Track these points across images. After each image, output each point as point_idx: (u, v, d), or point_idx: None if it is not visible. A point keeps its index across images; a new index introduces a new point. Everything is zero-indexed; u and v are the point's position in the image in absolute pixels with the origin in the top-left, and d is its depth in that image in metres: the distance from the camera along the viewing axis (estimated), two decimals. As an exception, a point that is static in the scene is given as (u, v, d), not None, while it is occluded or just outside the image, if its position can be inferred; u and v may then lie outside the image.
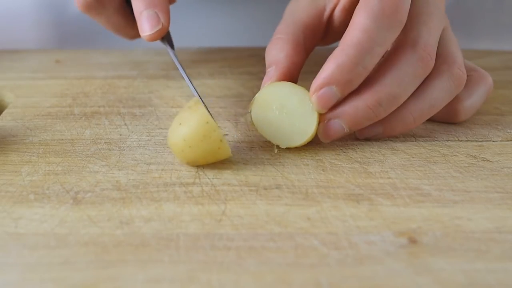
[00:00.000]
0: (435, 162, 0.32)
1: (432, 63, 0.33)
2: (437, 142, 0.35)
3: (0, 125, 0.36)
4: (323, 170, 0.31)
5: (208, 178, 0.30)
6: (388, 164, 0.32)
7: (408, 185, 0.30)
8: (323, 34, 0.37)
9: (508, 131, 0.36)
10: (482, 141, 0.35)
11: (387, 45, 0.31)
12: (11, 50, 0.51)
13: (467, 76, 0.35)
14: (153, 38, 0.35)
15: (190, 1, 0.58)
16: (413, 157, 0.33)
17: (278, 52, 0.34)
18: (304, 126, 0.32)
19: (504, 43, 0.60)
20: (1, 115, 0.38)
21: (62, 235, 0.25)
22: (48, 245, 0.25)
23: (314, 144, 0.34)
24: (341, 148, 0.33)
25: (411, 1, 0.33)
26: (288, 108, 0.32)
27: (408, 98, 0.33)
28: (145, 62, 0.49)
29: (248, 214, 0.27)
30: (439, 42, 0.34)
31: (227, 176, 0.30)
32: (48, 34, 0.59)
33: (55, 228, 0.26)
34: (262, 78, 0.34)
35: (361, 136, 0.34)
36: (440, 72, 0.34)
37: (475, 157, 0.33)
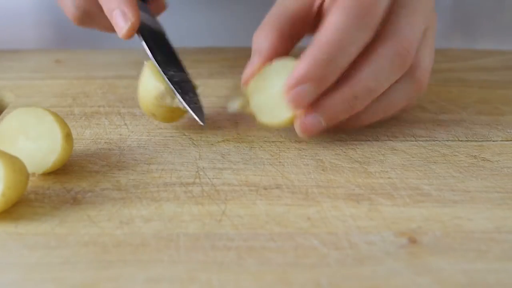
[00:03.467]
0: (435, 162, 0.32)
1: (410, 59, 0.32)
2: (437, 142, 0.35)
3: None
4: (323, 170, 0.31)
5: (208, 178, 0.30)
6: (388, 164, 0.32)
7: (408, 185, 0.30)
8: (313, 23, 0.36)
9: (508, 131, 0.36)
10: (482, 141, 0.35)
11: (361, 44, 0.31)
12: (11, 50, 0.51)
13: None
14: (126, 36, 0.36)
15: (190, 1, 0.58)
16: (413, 157, 0.33)
17: (263, 41, 0.34)
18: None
19: (504, 43, 0.60)
20: (1, 115, 0.38)
21: (62, 235, 0.25)
22: (48, 245, 0.25)
23: (314, 144, 0.34)
24: (341, 148, 0.33)
25: None
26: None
27: None
28: (145, 62, 0.48)
29: (248, 214, 0.27)
30: None
31: (227, 176, 0.30)
32: (48, 34, 0.59)
33: (55, 228, 0.26)
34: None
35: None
36: (401, 77, 0.33)
37: (475, 157, 0.33)
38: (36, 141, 0.29)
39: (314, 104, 0.31)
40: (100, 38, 0.58)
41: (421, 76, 0.34)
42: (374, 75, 0.31)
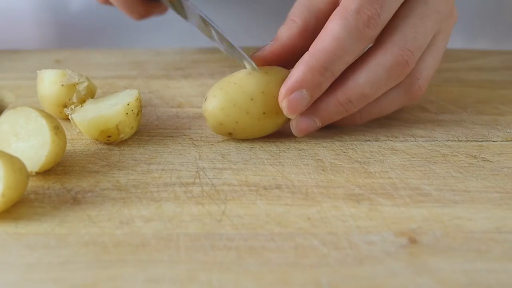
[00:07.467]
0: (435, 162, 0.32)
1: (408, 70, 0.32)
2: (437, 142, 0.35)
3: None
4: (323, 170, 0.31)
5: (208, 178, 0.30)
6: (388, 164, 0.32)
7: (408, 185, 0.30)
8: None
9: (508, 131, 0.36)
10: (482, 141, 0.35)
11: (356, 54, 0.31)
12: (11, 50, 0.51)
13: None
14: None
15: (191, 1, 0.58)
16: (413, 157, 0.33)
17: (284, 31, 0.34)
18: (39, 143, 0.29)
19: (504, 43, 0.60)
20: (1, 115, 0.38)
21: (62, 235, 0.25)
22: (48, 245, 0.25)
23: (314, 144, 0.34)
24: (341, 148, 0.33)
25: (405, 0, 0.32)
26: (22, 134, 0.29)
27: None
28: (145, 62, 0.49)
29: (248, 214, 0.27)
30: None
31: (227, 176, 0.30)
32: (48, 34, 0.59)
33: (55, 228, 0.26)
34: (262, 78, 0.34)
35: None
36: (400, 84, 0.33)
37: (475, 157, 0.33)
38: (27, 140, 0.29)
39: (310, 106, 0.32)
40: (100, 38, 0.58)
41: (417, 89, 0.34)
42: (370, 82, 0.32)
